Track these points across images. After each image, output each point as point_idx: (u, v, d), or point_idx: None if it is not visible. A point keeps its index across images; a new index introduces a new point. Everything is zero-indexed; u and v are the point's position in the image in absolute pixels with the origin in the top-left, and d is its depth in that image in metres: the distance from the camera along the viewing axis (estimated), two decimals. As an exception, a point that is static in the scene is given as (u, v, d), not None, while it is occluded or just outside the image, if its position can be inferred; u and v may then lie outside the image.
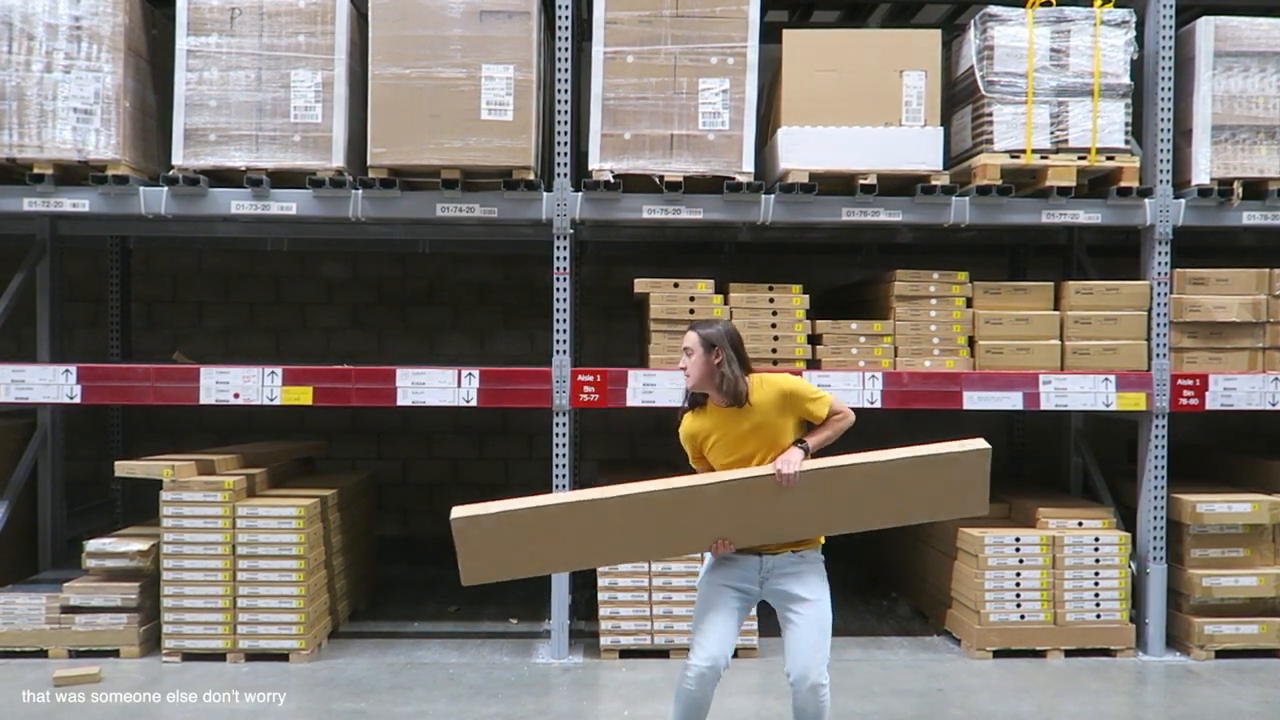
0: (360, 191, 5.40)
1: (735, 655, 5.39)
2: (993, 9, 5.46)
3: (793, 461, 3.41)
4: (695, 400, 3.61)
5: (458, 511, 3.39)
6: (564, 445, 5.47)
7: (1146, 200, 5.59)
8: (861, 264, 7.63)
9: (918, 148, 5.40)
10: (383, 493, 8.26)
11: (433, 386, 5.41)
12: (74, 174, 5.44)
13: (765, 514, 3.39)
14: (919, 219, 5.57)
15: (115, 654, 5.37)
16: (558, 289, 5.47)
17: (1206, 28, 5.53)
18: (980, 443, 3.50)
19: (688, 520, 3.42)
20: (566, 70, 5.46)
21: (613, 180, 5.36)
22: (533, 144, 5.32)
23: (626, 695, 4.96)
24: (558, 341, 5.45)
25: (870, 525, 3.59)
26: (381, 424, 8.35)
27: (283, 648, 5.36)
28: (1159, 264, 5.63)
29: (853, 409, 3.59)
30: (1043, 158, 5.44)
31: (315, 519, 5.57)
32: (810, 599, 3.51)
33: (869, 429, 8.38)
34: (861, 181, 5.38)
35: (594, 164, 5.38)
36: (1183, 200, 5.62)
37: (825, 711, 3.53)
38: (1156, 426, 5.61)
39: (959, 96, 5.77)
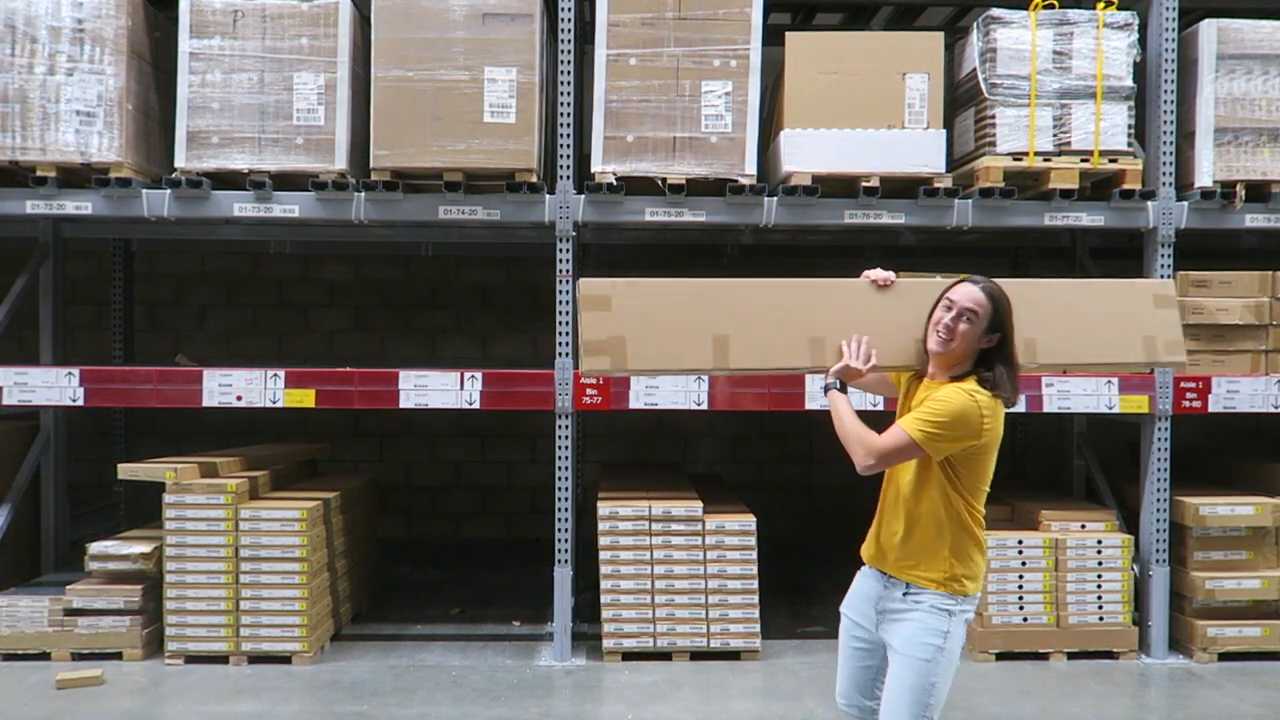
0: (363, 194, 5.41)
1: (737, 657, 5.46)
2: (995, 11, 5.46)
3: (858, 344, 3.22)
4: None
5: (588, 281, 3.17)
6: (566, 448, 5.48)
7: (1149, 203, 5.59)
8: (864, 266, 7.60)
9: (920, 150, 5.40)
10: (385, 495, 8.26)
11: (435, 389, 5.41)
12: (77, 176, 5.45)
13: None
14: (921, 221, 5.57)
15: (118, 656, 5.36)
16: (560, 291, 5.47)
17: (1209, 30, 5.53)
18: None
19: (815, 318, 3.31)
20: (569, 73, 5.47)
21: (615, 183, 5.36)
22: (535, 146, 5.32)
23: (629, 698, 4.96)
24: (560, 344, 5.45)
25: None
26: (384, 426, 8.36)
27: (285, 650, 5.36)
28: (1162, 266, 5.63)
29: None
30: (1045, 160, 5.43)
31: (318, 521, 5.58)
32: (899, 653, 2.91)
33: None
34: (864, 184, 5.37)
35: (596, 166, 5.38)
36: (1185, 203, 5.62)
37: None
38: (1159, 429, 5.61)
39: (962, 99, 5.77)
